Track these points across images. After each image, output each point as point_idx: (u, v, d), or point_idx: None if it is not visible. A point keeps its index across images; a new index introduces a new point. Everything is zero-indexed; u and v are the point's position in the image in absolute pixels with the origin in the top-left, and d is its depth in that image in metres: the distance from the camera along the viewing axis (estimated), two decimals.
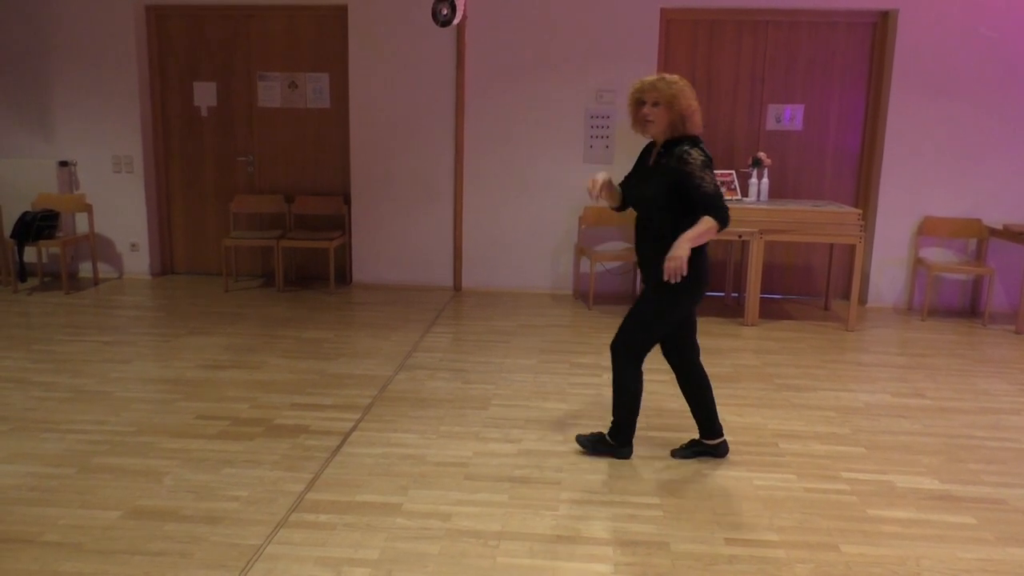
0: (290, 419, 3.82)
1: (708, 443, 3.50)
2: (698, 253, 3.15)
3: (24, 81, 6.66)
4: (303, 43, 6.68)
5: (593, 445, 3.48)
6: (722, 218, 3.06)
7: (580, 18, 6.27)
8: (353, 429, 3.71)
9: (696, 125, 3.16)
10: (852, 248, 5.69)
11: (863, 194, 6.46)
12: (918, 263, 6.25)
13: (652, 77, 3.17)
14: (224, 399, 4.06)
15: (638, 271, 3.51)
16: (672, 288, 3.16)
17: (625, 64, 6.25)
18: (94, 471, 3.23)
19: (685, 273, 3.03)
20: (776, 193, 6.39)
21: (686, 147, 3.10)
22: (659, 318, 3.26)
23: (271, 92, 6.75)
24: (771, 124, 6.43)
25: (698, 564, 2.66)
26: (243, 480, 3.17)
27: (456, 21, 5.63)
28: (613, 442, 3.44)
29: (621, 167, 6.07)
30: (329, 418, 3.84)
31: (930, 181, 6.22)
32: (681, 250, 3.01)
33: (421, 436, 3.65)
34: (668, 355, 3.46)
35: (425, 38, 6.38)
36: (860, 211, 5.55)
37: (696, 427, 3.60)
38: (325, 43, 6.65)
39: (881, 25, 6.23)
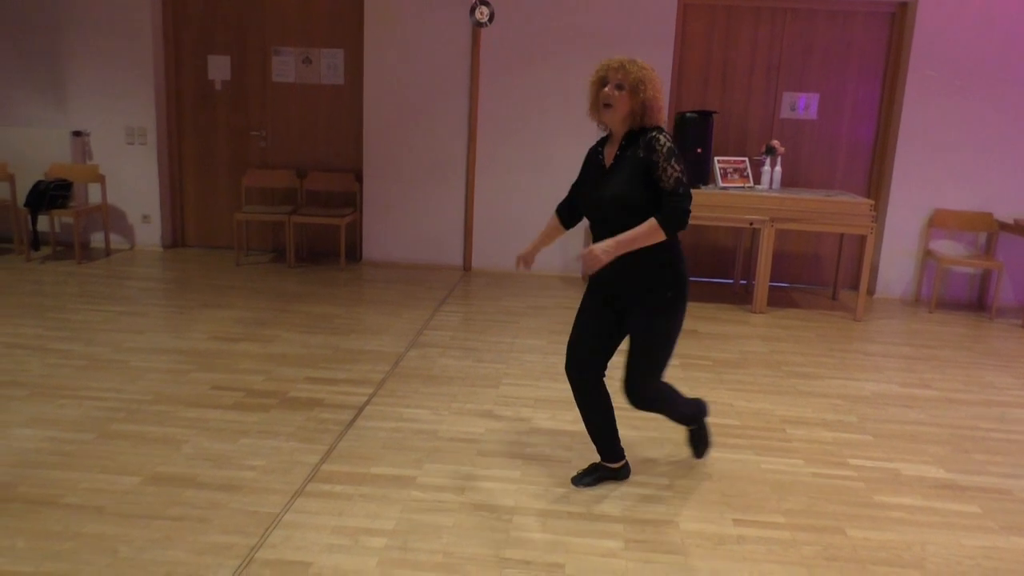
0: (304, 392, 3.86)
1: (610, 466, 3.12)
2: (679, 259, 2.83)
3: (39, 51, 6.66)
4: (318, 18, 6.67)
5: (702, 439, 3.27)
6: (674, 222, 2.68)
7: (597, 3, 6.25)
8: (367, 403, 3.76)
9: (658, 120, 2.80)
10: (862, 238, 5.71)
11: (875, 185, 6.47)
12: (927, 255, 6.27)
13: (620, 58, 2.81)
14: (238, 371, 4.11)
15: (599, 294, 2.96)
16: (677, 299, 2.82)
17: (642, 49, 6.24)
18: (112, 437, 3.28)
19: (595, 270, 2.71)
20: (788, 182, 6.40)
21: (653, 133, 2.75)
22: (674, 339, 2.87)
23: (285, 67, 6.75)
24: (785, 112, 6.43)
25: (707, 543, 2.71)
26: (259, 450, 3.22)
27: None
28: (699, 425, 3.24)
29: None
30: (343, 392, 3.88)
31: (943, 174, 6.22)
32: (606, 252, 2.64)
33: (434, 412, 3.70)
34: (582, 369, 2.95)
35: (441, 17, 6.37)
36: (872, 202, 5.56)
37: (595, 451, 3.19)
38: (340, 19, 6.64)
39: (899, 16, 6.21)
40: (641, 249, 2.74)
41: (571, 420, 3.66)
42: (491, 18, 6.26)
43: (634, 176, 2.74)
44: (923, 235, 6.32)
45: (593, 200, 2.84)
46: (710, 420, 3.72)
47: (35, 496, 2.79)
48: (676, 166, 2.70)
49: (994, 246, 6.19)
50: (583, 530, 2.75)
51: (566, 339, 4.86)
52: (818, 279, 6.69)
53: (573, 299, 5.93)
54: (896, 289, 6.45)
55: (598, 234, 2.87)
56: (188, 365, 4.16)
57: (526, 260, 3.08)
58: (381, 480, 3.02)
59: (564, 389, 4.06)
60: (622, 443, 3.17)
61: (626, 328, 2.92)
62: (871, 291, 6.49)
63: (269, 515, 2.73)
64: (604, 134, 2.99)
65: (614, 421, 3.06)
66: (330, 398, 3.80)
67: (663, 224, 2.68)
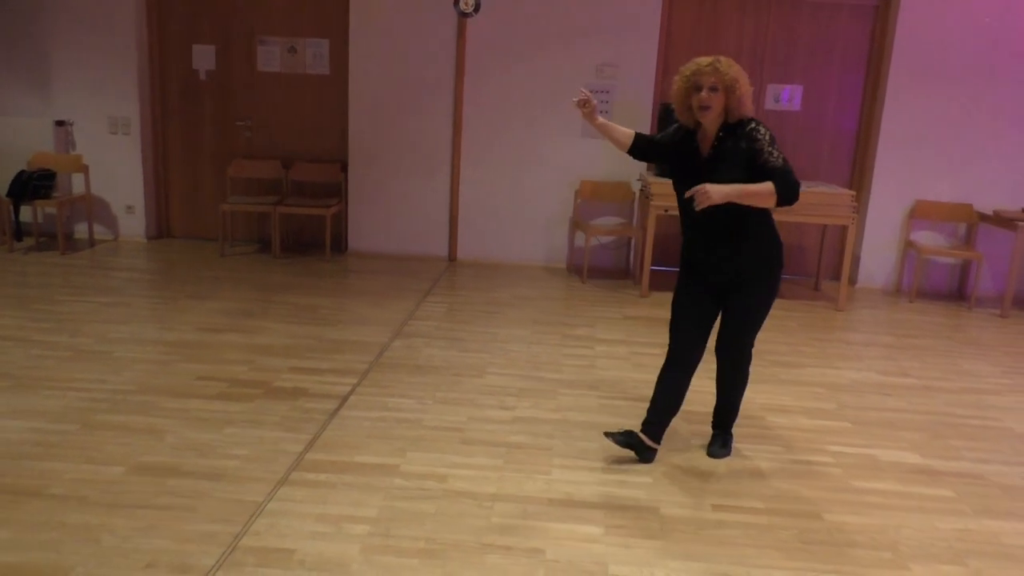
0: (289, 382, 3.88)
1: (647, 442, 3.21)
2: (780, 242, 3.07)
3: (21, 40, 6.61)
4: (304, 8, 6.64)
5: (728, 442, 3.37)
6: (789, 193, 2.79)
7: None
8: (351, 393, 3.78)
9: (751, 108, 2.94)
10: (844, 229, 5.77)
11: (857, 176, 6.52)
12: (908, 246, 6.34)
13: (705, 60, 2.90)
14: (223, 361, 4.12)
15: (705, 278, 3.13)
16: (779, 275, 3.09)
17: (627, 40, 6.26)
18: (96, 428, 3.28)
19: (707, 203, 2.75)
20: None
21: (752, 125, 2.89)
22: (769, 308, 3.14)
23: (271, 57, 6.73)
24: (770, 104, 6.47)
25: (686, 528, 2.75)
26: (244, 439, 3.24)
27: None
28: (729, 436, 3.40)
29: None
30: (327, 382, 3.90)
31: (924, 165, 6.28)
32: (721, 193, 2.74)
33: (418, 401, 3.72)
34: (690, 349, 3.18)
35: (427, 8, 6.36)
36: (853, 192, 5.62)
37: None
38: (326, 9, 6.62)
39: (883, 10, 6.25)
40: (751, 238, 2.98)
41: (553, 409, 3.70)
42: (476, 8, 6.26)
43: (737, 166, 2.88)
44: (904, 226, 6.39)
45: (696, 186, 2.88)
46: (696, 409, 3.77)
47: (19, 487, 2.80)
48: (779, 150, 2.86)
49: (974, 237, 6.26)
50: (564, 516, 2.78)
51: (550, 330, 4.92)
52: (801, 269, 6.75)
53: (558, 290, 5.97)
54: (878, 279, 6.52)
55: (693, 220, 3.04)
56: (173, 356, 4.17)
57: (589, 102, 3.15)
58: (365, 468, 3.05)
59: (547, 378, 4.09)
60: (607, 431, 3.25)
61: (725, 304, 3.14)
62: (853, 281, 6.56)
63: (253, 503, 2.76)
64: (691, 127, 3.07)
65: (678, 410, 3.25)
66: (315, 388, 3.82)
67: (779, 191, 2.79)
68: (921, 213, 6.31)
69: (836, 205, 5.57)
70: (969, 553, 2.69)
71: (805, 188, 5.64)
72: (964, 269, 6.44)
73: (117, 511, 2.67)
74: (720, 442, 3.37)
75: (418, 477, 3.00)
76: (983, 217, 6.15)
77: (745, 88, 2.88)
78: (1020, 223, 5.65)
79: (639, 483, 3.05)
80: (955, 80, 6.13)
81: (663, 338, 4.84)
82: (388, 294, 5.59)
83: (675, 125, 3.15)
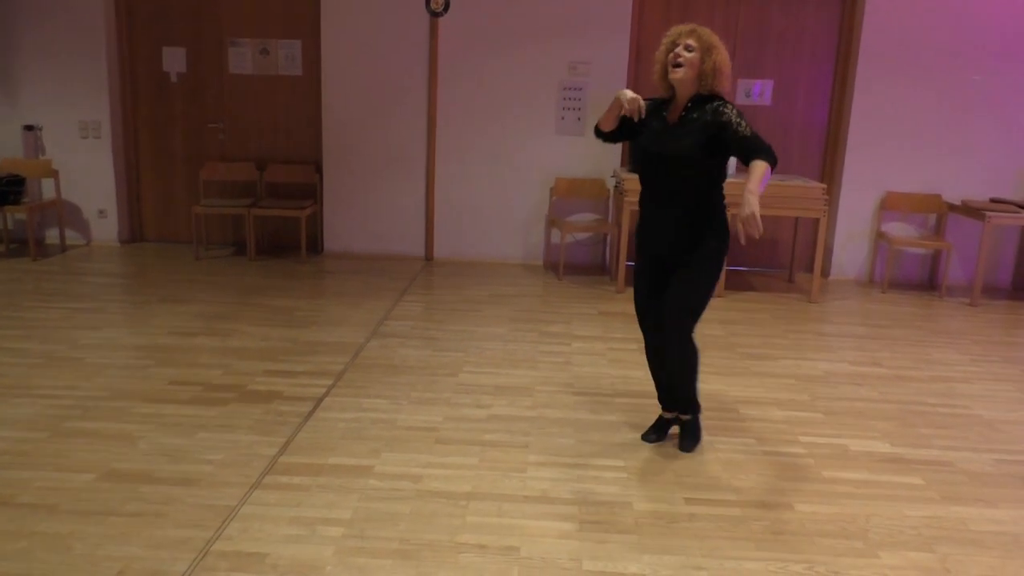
0: (263, 385, 3.86)
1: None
2: (724, 214, 3.11)
3: None
4: (275, 9, 6.60)
5: (693, 433, 3.35)
6: (771, 156, 2.86)
7: None
8: (326, 395, 3.77)
9: (725, 85, 2.98)
10: (816, 222, 5.82)
11: (829, 169, 6.59)
12: (880, 237, 6.42)
13: (689, 25, 3.00)
14: (197, 365, 4.09)
15: (646, 240, 3.18)
16: (722, 248, 3.08)
17: (599, 37, 6.27)
18: (67, 435, 3.25)
19: (760, 230, 2.77)
20: (744, 167, 6.48)
21: (719, 103, 2.96)
22: (715, 283, 3.14)
23: (242, 58, 6.68)
24: (741, 99, 6.52)
25: (659, 522, 2.78)
26: (217, 444, 3.22)
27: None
28: (695, 416, 3.37)
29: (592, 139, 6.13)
30: (302, 384, 3.89)
31: (893, 157, 6.36)
32: (754, 205, 2.73)
33: (393, 402, 3.72)
34: (654, 317, 3.23)
35: (398, 7, 6.34)
36: (824, 186, 5.68)
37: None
38: (297, 9, 6.58)
39: (850, 4, 6.31)
40: (697, 211, 3.04)
41: (528, 406, 3.71)
42: (446, 7, 6.25)
43: (699, 138, 2.94)
44: (875, 217, 6.46)
45: (656, 153, 3.03)
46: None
47: None
48: (747, 122, 2.93)
49: (943, 227, 6.35)
50: (538, 513, 2.80)
51: (526, 327, 4.93)
52: (775, 262, 6.81)
53: (534, 287, 5.98)
54: (850, 270, 6.59)
55: (652, 183, 3.10)
56: (146, 361, 4.14)
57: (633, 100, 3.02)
58: (339, 470, 3.04)
59: (523, 376, 4.10)
60: (584, 427, 3.29)
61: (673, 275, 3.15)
62: (826, 273, 6.63)
63: (226, 508, 2.75)
64: (666, 96, 3.13)
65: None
66: (289, 390, 3.81)
67: (765, 159, 2.85)
68: (891, 204, 6.38)
69: (808, 198, 5.63)
70: (937, 540, 2.73)
71: (777, 182, 5.70)
72: (935, 259, 6.53)
73: (88, 519, 2.65)
74: (688, 434, 3.37)
75: (392, 478, 3.00)
76: (952, 207, 6.24)
77: (722, 59, 2.96)
78: (988, 213, 5.73)
79: (613, 479, 3.07)
80: (923, 71, 6.20)
81: (638, 333, 4.87)
82: (364, 295, 5.58)
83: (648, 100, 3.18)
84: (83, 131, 6.63)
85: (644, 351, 3.42)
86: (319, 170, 6.74)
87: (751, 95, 6.50)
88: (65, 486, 2.85)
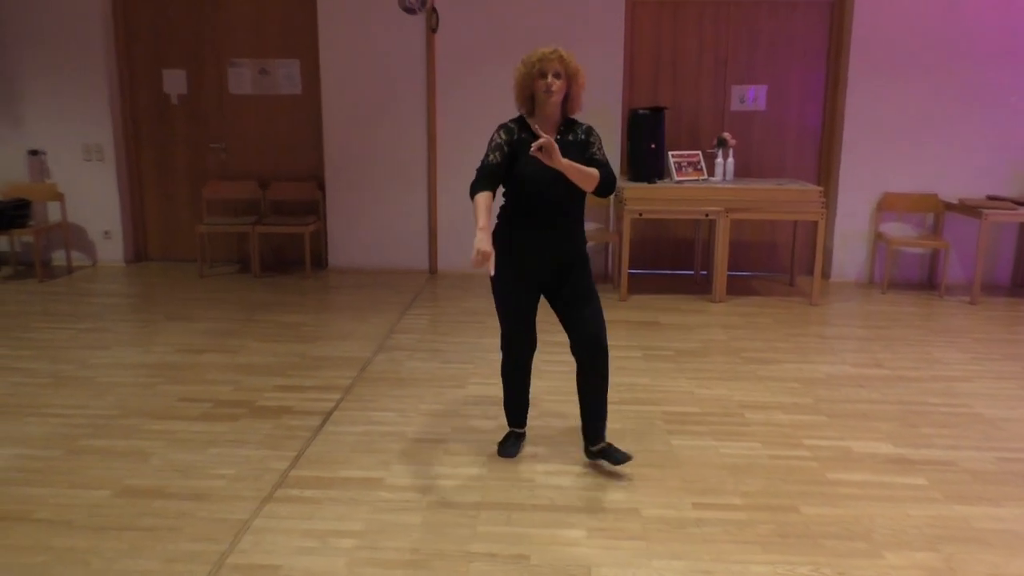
0: (272, 400, 3.91)
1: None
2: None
3: None
4: (273, 29, 6.68)
5: (617, 455, 3.21)
6: (609, 184, 2.97)
7: (548, 2, 6.35)
8: (335, 409, 3.82)
9: (580, 108, 3.09)
10: (815, 224, 5.87)
11: (825, 171, 6.64)
12: (878, 238, 6.46)
13: (549, 48, 3.01)
14: (206, 382, 4.14)
15: (542, 258, 3.11)
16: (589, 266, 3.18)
17: (593, 49, 6.34)
18: (80, 453, 3.30)
19: (550, 159, 2.77)
20: (741, 172, 6.55)
21: (589, 126, 3.12)
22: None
23: (241, 79, 6.76)
24: (735, 104, 6.58)
25: (667, 527, 2.81)
26: (228, 459, 3.27)
27: (421, 11, 5.79)
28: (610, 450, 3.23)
29: None
30: (311, 399, 3.93)
31: (889, 158, 6.41)
32: (556, 153, 2.76)
33: (401, 414, 3.76)
34: (533, 347, 3.29)
35: (394, 23, 6.42)
36: (822, 188, 5.73)
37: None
38: (294, 29, 6.66)
39: (838, 5, 6.38)
40: (578, 223, 3.13)
41: (535, 416, 3.75)
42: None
43: (579, 158, 2.99)
44: (873, 218, 6.51)
45: (546, 177, 2.94)
46: (675, 409, 3.85)
47: (4, 512, 2.82)
48: (603, 152, 3.08)
49: (941, 226, 6.39)
50: (547, 521, 2.84)
51: None
52: (775, 266, 6.85)
53: None
54: (850, 272, 6.63)
55: (541, 208, 3.03)
56: (155, 378, 4.18)
57: (486, 255, 2.73)
58: (350, 483, 3.09)
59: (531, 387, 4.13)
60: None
61: (556, 294, 3.14)
62: (826, 275, 6.67)
63: (239, 521, 2.79)
64: (521, 117, 3.15)
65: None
66: (298, 405, 3.85)
67: (602, 178, 2.96)
68: (889, 205, 6.43)
69: (805, 201, 5.68)
70: (941, 539, 2.77)
71: (775, 186, 5.75)
72: (933, 258, 6.57)
73: (103, 534, 2.69)
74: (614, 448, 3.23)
75: (403, 489, 3.04)
76: (949, 206, 6.28)
77: (583, 82, 3.05)
78: (985, 211, 5.78)
79: (620, 485, 3.11)
80: (915, 72, 6.26)
81: (642, 341, 4.92)
82: (369, 309, 5.63)
83: (497, 131, 3.10)
84: (87, 154, 6.71)
85: (516, 373, 3.31)
86: (321, 186, 6.80)
87: (746, 101, 6.56)
88: (80, 502, 2.89)
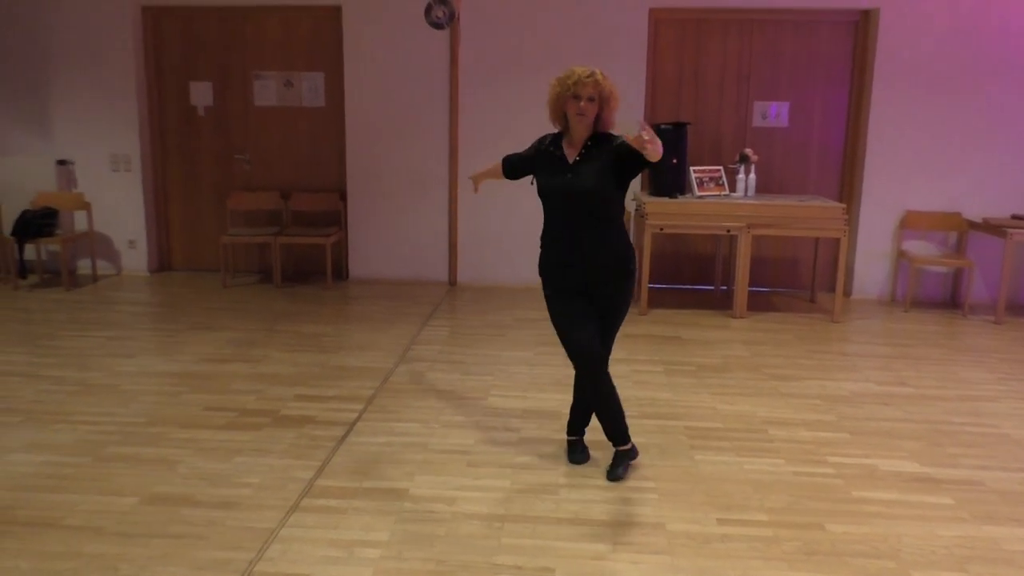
0: (295, 410, 3.93)
1: (625, 448, 3.33)
2: (628, 235, 3.27)
3: (22, 81, 6.73)
4: (298, 43, 6.77)
5: (625, 468, 3.33)
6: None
7: (571, 18, 6.39)
8: (357, 419, 3.84)
9: (610, 127, 3.10)
10: (837, 241, 5.85)
11: (847, 188, 6.62)
12: (901, 256, 6.43)
13: (584, 69, 3.01)
14: (230, 391, 4.17)
15: (571, 273, 3.24)
16: (633, 278, 3.19)
17: (615, 63, 6.36)
18: (108, 460, 3.34)
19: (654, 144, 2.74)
20: (762, 188, 6.54)
21: (620, 140, 3.02)
22: (626, 314, 3.26)
23: (267, 91, 6.84)
24: (757, 121, 6.58)
25: (692, 543, 2.80)
26: (254, 468, 3.29)
27: (449, 26, 5.84)
28: (629, 445, 3.34)
29: None
30: (333, 409, 3.96)
31: (912, 176, 6.39)
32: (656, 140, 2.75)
33: (424, 425, 3.78)
34: (595, 356, 3.17)
35: (419, 37, 6.48)
36: (844, 205, 5.72)
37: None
38: (320, 43, 6.74)
39: (863, 24, 6.39)
40: (612, 236, 3.16)
41: (557, 429, 3.76)
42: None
43: (604, 170, 3.05)
44: (896, 236, 6.48)
45: (563, 190, 3.13)
46: (698, 424, 3.84)
47: (35, 519, 2.85)
48: None
49: (964, 245, 6.35)
50: (572, 535, 2.83)
51: (552, 351, 4.97)
52: (796, 283, 6.83)
53: None
54: (872, 290, 6.60)
55: (565, 221, 3.18)
56: (180, 387, 4.22)
57: (476, 181, 3.74)
58: (374, 493, 3.10)
59: (551, 399, 4.15)
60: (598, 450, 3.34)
61: (601, 305, 3.20)
62: (848, 292, 6.64)
63: (266, 530, 2.81)
64: (559, 131, 3.25)
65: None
66: (321, 415, 3.88)
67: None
68: (912, 223, 6.40)
69: (828, 218, 5.67)
70: (970, 560, 2.74)
71: (797, 203, 5.74)
72: (956, 277, 6.53)
73: (132, 541, 2.72)
74: (618, 463, 3.31)
75: (427, 500, 3.05)
76: (973, 225, 6.25)
77: (616, 104, 3.07)
78: (1009, 230, 5.74)
79: (645, 500, 3.10)
80: (938, 90, 6.24)
81: (664, 355, 4.92)
82: (390, 320, 5.66)
83: (538, 139, 3.35)
84: (114, 164, 6.80)
85: (579, 383, 3.39)
86: (343, 198, 6.86)
87: (767, 117, 6.57)
88: (110, 509, 2.92)
